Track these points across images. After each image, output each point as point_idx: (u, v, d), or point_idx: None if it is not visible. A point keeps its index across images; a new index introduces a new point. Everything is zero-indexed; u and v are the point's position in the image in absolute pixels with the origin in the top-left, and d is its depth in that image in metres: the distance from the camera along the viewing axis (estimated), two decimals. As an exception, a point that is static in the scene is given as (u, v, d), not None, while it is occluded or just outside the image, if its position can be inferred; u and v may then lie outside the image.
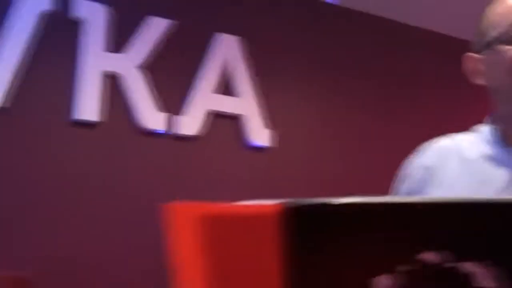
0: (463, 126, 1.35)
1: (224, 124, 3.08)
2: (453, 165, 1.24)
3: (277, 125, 3.18)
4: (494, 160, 1.19)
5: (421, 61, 3.73)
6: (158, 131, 2.90)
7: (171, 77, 2.99)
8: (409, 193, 1.29)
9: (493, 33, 1.18)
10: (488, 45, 1.18)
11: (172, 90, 2.98)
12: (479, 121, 1.30)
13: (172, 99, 2.97)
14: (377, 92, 3.54)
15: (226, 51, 3.13)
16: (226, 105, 3.09)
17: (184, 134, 2.95)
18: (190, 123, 2.97)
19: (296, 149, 3.24)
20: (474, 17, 1.32)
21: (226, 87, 3.10)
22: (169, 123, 2.93)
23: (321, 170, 3.25)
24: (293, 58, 3.34)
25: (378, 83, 3.57)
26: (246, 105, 3.12)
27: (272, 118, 3.17)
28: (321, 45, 3.44)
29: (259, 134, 3.12)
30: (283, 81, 3.29)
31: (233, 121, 3.10)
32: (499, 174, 1.16)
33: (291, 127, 3.26)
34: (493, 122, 1.24)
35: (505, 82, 1.14)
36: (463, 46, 1.36)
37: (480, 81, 1.24)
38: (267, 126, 3.15)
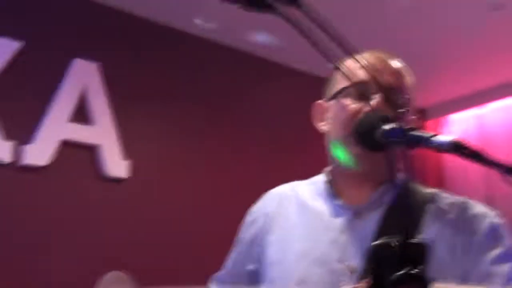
0: (310, 169, 1.41)
1: (79, 154, 2.94)
2: (291, 214, 1.29)
3: (134, 155, 3.10)
4: (325, 213, 1.24)
5: (280, 99, 3.85)
6: (2, 161, 2.69)
7: (21, 103, 2.80)
8: (253, 240, 1.33)
9: (340, 85, 1.24)
10: (335, 96, 1.25)
11: (21, 118, 2.79)
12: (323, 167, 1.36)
13: (21, 127, 2.78)
14: (234, 124, 3.59)
15: (83, 78, 2.99)
16: (81, 134, 2.95)
17: (33, 164, 2.76)
18: (39, 152, 2.79)
19: (153, 179, 3.18)
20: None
21: (81, 115, 2.97)
22: (16, 152, 2.73)
23: (178, 201, 3.21)
24: (151, 87, 3.28)
25: (236, 115, 3.62)
26: (102, 134, 3.00)
27: (130, 148, 3.09)
28: (179, 75, 3.41)
29: (116, 165, 3.02)
30: (142, 110, 3.23)
31: (88, 151, 2.97)
32: (328, 228, 1.21)
33: (149, 158, 3.19)
34: (328, 174, 1.30)
35: (342, 134, 1.20)
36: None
37: (322, 127, 1.30)
38: (124, 156, 3.05)
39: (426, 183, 1.29)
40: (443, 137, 0.93)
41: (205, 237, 3.20)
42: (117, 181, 3.02)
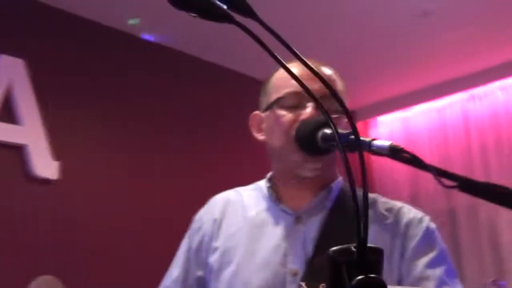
0: (254, 175, 1.42)
1: (6, 155, 2.81)
2: (236, 219, 1.31)
3: (64, 155, 2.99)
4: (268, 217, 1.27)
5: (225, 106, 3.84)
6: None
7: None
8: (199, 246, 1.32)
9: (274, 96, 1.27)
10: (270, 107, 1.28)
11: None
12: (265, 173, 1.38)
13: None
14: (162, 122, 3.54)
15: (9, 75, 2.85)
16: (8, 133, 2.82)
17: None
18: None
19: (84, 180, 3.08)
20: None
21: (7, 114, 2.83)
22: None
23: (109, 202, 3.14)
24: (80, 85, 3.17)
25: (163, 113, 3.57)
26: (30, 134, 2.88)
27: (60, 148, 2.98)
28: (108, 72, 3.32)
29: (45, 166, 2.90)
30: (72, 109, 3.11)
31: (15, 151, 2.84)
32: (271, 232, 1.24)
33: (80, 158, 3.09)
34: (270, 179, 1.32)
35: (281, 143, 1.23)
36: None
37: (261, 137, 1.33)
38: (53, 157, 2.94)
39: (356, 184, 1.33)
40: (382, 142, 0.96)
41: (136, 238, 3.14)
42: (47, 182, 2.91)
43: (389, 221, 1.21)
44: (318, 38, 3.46)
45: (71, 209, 2.97)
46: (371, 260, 0.64)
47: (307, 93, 1.19)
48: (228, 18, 0.70)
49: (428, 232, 1.21)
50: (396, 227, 1.20)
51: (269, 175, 1.34)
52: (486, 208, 3.83)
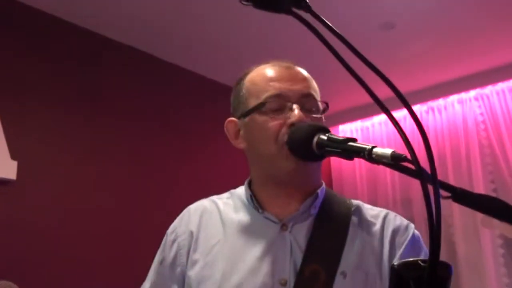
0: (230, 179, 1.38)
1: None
2: (215, 230, 1.25)
3: (22, 155, 2.84)
4: (251, 226, 1.22)
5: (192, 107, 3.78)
6: None
7: None
8: (174, 260, 1.26)
9: (252, 102, 1.22)
10: (249, 113, 1.22)
11: None
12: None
13: None
14: (121, 119, 3.45)
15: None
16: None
17: None
18: None
19: (43, 180, 2.94)
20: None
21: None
22: None
23: (70, 203, 3.01)
24: (38, 81, 3.03)
25: (121, 110, 3.48)
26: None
27: (17, 148, 2.82)
28: (66, 68, 3.19)
29: (2, 166, 2.74)
30: (29, 105, 2.97)
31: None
32: (256, 241, 1.19)
33: (38, 157, 2.95)
34: (249, 185, 1.28)
35: (270, 150, 1.18)
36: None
37: (240, 144, 1.28)
38: (11, 156, 2.78)
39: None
40: (383, 150, 0.93)
41: (98, 240, 3.04)
42: (4, 183, 2.75)
43: (375, 227, 1.20)
44: (283, 47, 3.45)
45: (30, 210, 2.83)
46: (441, 276, 0.61)
47: (288, 95, 1.18)
48: (288, 10, 0.66)
49: (414, 240, 1.20)
50: (383, 234, 1.19)
51: (247, 182, 1.30)
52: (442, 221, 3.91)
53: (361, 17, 3.30)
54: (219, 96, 3.88)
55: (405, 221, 1.23)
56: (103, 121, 3.32)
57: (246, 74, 1.29)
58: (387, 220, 1.22)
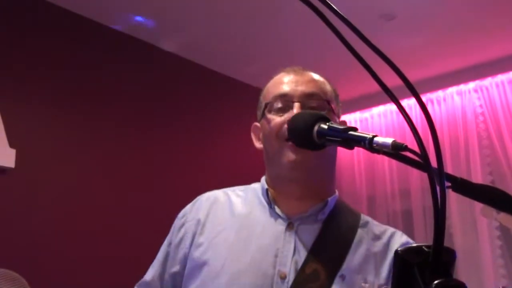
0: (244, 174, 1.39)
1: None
2: (223, 217, 1.30)
3: (21, 143, 2.83)
4: (260, 218, 1.26)
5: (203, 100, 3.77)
6: None
7: None
8: (180, 242, 1.30)
9: (264, 104, 1.30)
10: (262, 115, 1.30)
11: None
12: (258, 176, 1.36)
13: None
14: (123, 107, 3.44)
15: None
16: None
17: None
18: None
19: (42, 168, 2.93)
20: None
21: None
22: None
23: (70, 191, 3.00)
24: (35, 69, 3.02)
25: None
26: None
27: (16, 136, 2.82)
28: (64, 55, 3.18)
29: (1, 154, 2.73)
30: (28, 94, 2.96)
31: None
32: (262, 232, 1.22)
33: (37, 145, 2.94)
34: (264, 183, 1.32)
35: (273, 146, 1.24)
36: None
37: (260, 146, 1.35)
38: (10, 145, 2.78)
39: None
40: (384, 139, 0.93)
41: (97, 228, 3.04)
42: (3, 171, 2.74)
43: (381, 241, 1.23)
44: (285, 40, 3.44)
45: (29, 198, 2.83)
46: (445, 261, 0.61)
47: (292, 94, 1.21)
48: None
49: None
50: (388, 250, 1.22)
51: (264, 178, 1.34)
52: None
53: (361, 7, 3.29)
54: (230, 92, 3.88)
55: (410, 241, 1.26)
56: (104, 110, 3.31)
57: (268, 83, 1.36)
58: (394, 237, 1.25)
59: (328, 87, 1.31)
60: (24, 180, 2.82)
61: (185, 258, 1.28)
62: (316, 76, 1.31)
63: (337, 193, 1.31)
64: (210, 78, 3.98)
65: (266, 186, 1.29)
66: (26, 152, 2.84)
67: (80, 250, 2.95)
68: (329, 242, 1.19)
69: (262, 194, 1.30)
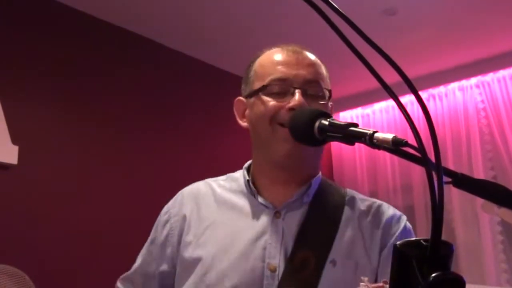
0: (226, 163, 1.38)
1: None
2: (209, 212, 1.27)
3: (23, 140, 2.84)
4: (245, 210, 1.23)
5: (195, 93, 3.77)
6: None
7: None
8: (166, 240, 1.28)
9: (258, 83, 1.24)
10: (254, 94, 1.24)
11: None
12: (239, 163, 1.34)
13: None
14: (122, 103, 3.44)
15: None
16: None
17: None
18: None
19: (45, 165, 2.94)
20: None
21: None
22: None
23: (72, 188, 3.01)
24: (38, 64, 3.02)
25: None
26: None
27: (18, 133, 2.82)
28: (66, 51, 3.18)
29: (3, 150, 2.74)
30: (29, 89, 2.96)
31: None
32: (248, 226, 1.20)
33: (40, 141, 2.95)
34: (248, 170, 1.29)
35: (266, 130, 1.20)
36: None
37: (244, 123, 1.30)
38: (13, 141, 2.79)
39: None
40: (384, 134, 0.93)
41: (99, 224, 3.05)
42: (5, 167, 2.75)
43: (369, 218, 1.21)
44: (288, 33, 3.44)
45: (32, 195, 2.84)
46: (443, 255, 0.62)
47: (292, 79, 1.19)
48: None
49: (405, 231, 1.21)
50: (376, 224, 1.20)
51: (247, 164, 1.31)
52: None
53: (363, 2, 3.29)
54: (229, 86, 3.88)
55: (398, 213, 1.24)
56: (107, 107, 3.31)
57: (257, 56, 1.30)
58: (380, 211, 1.23)
59: (324, 70, 1.28)
60: (26, 177, 2.83)
61: (173, 257, 1.26)
62: (315, 58, 1.27)
63: (320, 174, 1.28)
64: (217, 77, 3.99)
65: (247, 177, 1.26)
66: (29, 148, 2.85)
67: (83, 247, 2.96)
68: (316, 226, 1.17)
69: (245, 185, 1.26)
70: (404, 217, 1.24)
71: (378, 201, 1.26)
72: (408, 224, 1.23)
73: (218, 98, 3.79)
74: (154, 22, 3.43)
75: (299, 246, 1.14)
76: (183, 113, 3.77)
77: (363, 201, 1.25)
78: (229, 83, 3.90)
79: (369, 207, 1.23)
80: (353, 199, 1.25)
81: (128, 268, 1.38)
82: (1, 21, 2.91)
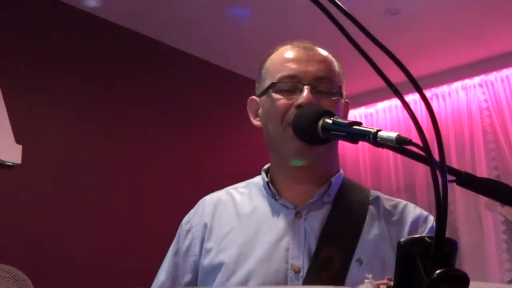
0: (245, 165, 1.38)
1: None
2: (229, 218, 1.25)
3: (26, 139, 2.85)
4: (266, 213, 1.22)
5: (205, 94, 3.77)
6: None
7: None
8: (188, 250, 1.26)
9: (268, 81, 1.23)
10: (265, 92, 1.23)
11: None
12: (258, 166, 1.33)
13: None
14: (128, 103, 3.44)
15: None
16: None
17: None
18: None
19: (46, 165, 2.95)
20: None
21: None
22: None
23: (74, 188, 3.02)
24: (41, 64, 3.03)
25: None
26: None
27: (22, 132, 2.83)
28: (75, 56, 3.20)
29: (8, 149, 2.75)
30: (33, 89, 2.97)
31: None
32: (270, 228, 1.18)
33: (44, 141, 2.96)
34: (267, 172, 1.27)
35: (278, 129, 1.19)
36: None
37: (257, 122, 1.29)
38: (17, 140, 2.79)
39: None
40: (388, 133, 0.93)
41: (102, 225, 3.05)
42: (9, 166, 2.76)
43: (395, 218, 1.19)
44: (290, 36, 3.44)
45: (36, 194, 2.85)
46: (447, 252, 0.62)
47: (302, 76, 1.18)
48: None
49: (432, 231, 1.18)
50: (402, 224, 1.18)
51: (266, 167, 1.29)
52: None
53: (366, 1, 3.29)
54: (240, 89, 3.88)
55: (425, 213, 1.22)
56: (111, 106, 3.32)
57: (269, 54, 1.29)
58: (407, 210, 1.21)
59: (336, 67, 1.26)
60: (30, 176, 2.84)
61: (196, 265, 1.24)
62: (324, 53, 1.25)
63: (341, 171, 1.26)
64: (227, 79, 3.99)
65: (266, 179, 1.24)
66: (33, 148, 2.86)
67: (87, 247, 2.96)
68: (340, 225, 1.15)
69: (264, 187, 1.25)
70: (431, 217, 1.21)
71: (404, 201, 1.25)
72: (434, 225, 1.21)
73: (230, 98, 3.78)
74: (172, 29, 3.44)
75: (323, 246, 1.12)
76: (191, 114, 3.76)
77: (388, 200, 1.24)
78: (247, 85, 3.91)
79: (395, 206, 1.21)
80: (377, 199, 1.23)
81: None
82: (5, 21, 2.91)
